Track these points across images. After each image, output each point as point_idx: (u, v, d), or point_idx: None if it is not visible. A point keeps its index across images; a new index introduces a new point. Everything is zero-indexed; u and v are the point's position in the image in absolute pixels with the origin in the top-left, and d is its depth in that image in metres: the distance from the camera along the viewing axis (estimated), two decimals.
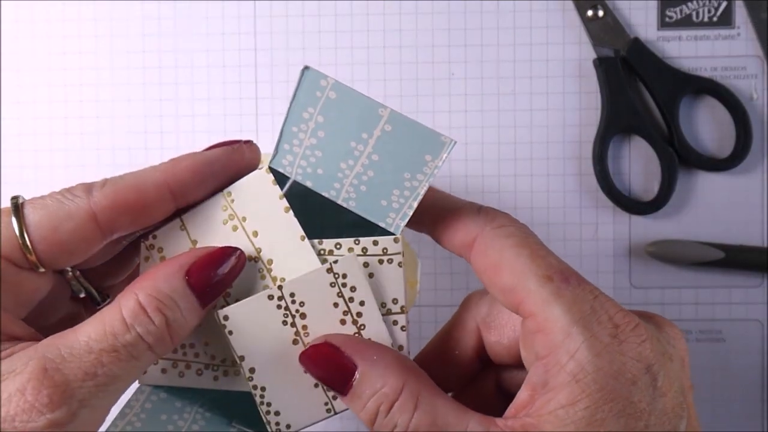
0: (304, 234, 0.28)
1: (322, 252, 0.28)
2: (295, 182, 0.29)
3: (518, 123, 0.45)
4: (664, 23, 0.45)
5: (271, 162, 0.28)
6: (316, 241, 0.29)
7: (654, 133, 0.44)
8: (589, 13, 0.44)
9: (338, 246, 0.28)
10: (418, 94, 0.45)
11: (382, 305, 0.28)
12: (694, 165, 0.44)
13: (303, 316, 0.28)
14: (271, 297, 0.28)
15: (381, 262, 0.28)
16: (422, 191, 0.27)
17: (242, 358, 0.28)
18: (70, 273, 0.29)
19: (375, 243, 0.28)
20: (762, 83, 0.45)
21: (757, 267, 0.44)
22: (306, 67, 0.27)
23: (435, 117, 0.45)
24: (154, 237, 0.29)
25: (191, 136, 0.45)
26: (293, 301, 0.28)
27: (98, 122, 0.46)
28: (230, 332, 0.28)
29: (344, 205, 0.28)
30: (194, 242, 0.29)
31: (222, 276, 0.27)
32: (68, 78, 0.46)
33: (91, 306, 0.31)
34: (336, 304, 0.28)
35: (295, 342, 0.28)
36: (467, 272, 0.44)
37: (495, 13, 0.45)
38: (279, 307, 0.28)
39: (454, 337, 0.30)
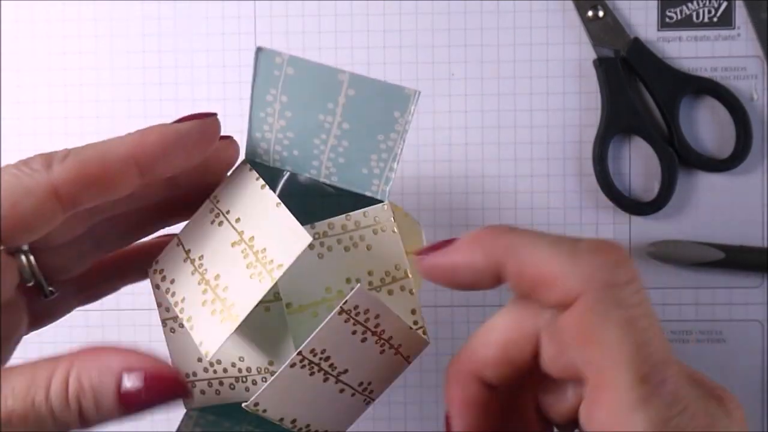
0: (278, 201, 0.27)
1: (316, 236, 0.28)
2: (287, 181, 0.29)
3: (518, 123, 0.45)
4: (664, 23, 0.45)
5: (246, 153, 0.28)
6: (308, 226, 0.28)
7: (654, 134, 0.44)
8: (589, 13, 0.44)
9: (331, 226, 0.28)
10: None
11: (386, 274, 0.27)
12: (694, 165, 0.44)
13: (333, 366, 0.25)
14: (293, 365, 0.25)
15: (375, 232, 0.28)
16: (399, 150, 0.27)
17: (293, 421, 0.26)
18: (23, 257, 0.27)
19: (365, 215, 0.28)
20: (762, 83, 0.45)
21: (757, 267, 0.44)
22: (259, 48, 0.26)
23: (435, 117, 0.45)
24: (157, 262, 0.28)
25: None
26: (319, 358, 0.25)
27: (98, 122, 0.46)
28: (264, 411, 0.25)
29: (327, 181, 0.28)
30: (187, 251, 0.28)
31: (153, 402, 0.24)
32: (68, 78, 0.46)
33: (35, 299, 0.29)
34: (363, 339, 0.26)
35: (342, 390, 0.26)
36: None
37: (495, 13, 0.45)
38: (310, 372, 0.25)
39: (512, 339, 0.25)
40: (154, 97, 0.46)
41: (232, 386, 0.28)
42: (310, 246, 0.27)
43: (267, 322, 0.28)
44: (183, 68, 0.46)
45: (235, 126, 0.45)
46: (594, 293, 0.22)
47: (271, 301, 0.28)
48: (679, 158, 0.44)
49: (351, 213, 0.28)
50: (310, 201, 0.30)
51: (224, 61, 0.45)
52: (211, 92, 0.46)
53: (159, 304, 0.29)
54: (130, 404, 0.24)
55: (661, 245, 0.44)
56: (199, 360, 0.28)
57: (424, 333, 0.28)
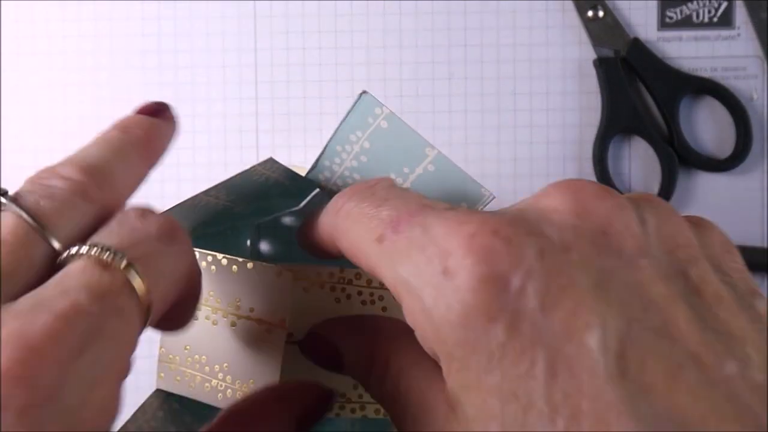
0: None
1: (341, 281, 0.27)
2: (316, 197, 0.29)
3: (518, 123, 0.45)
4: (664, 24, 0.45)
5: (308, 174, 0.28)
6: (337, 268, 0.27)
7: (654, 134, 0.44)
8: (589, 13, 0.44)
9: (358, 277, 0.27)
10: (418, 94, 0.45)
11: None
12: (694, 165, 0.44)
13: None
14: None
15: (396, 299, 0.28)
16: None
17: None
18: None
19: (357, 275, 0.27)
20: (762, 83, 0.45)
21: (758, 267, 0.44)
22: (364, 92, 0.26)
23: (435, 117, 0.45)
24: None
25: (191, 137, 0.45)
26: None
27: (98, 122, 0.46)
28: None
29: None
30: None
31: (318, 421, 0.24)
32: (68, 78, 0.46)
33: None
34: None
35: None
36: None
37: (495, 13, 0.45)
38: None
39: None
40: (154, 97, 0.46)
41: (207, 387, 0.28)
42: (332, 288, 0.28)
43: (264, 343, 0.28)
44: (183, 68, 0.46)
45: (234, 126, 0.46)
46: (333, 227, 0.22)
47: (275, 325, 0.28)
48: (679, 158, 0.44)
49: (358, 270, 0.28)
50: None
51: (224, 61, 0.45)
52: (211, 92, 0.46)
53: None
54: None
55: None
56: (186, 348, 0.29)
57: None
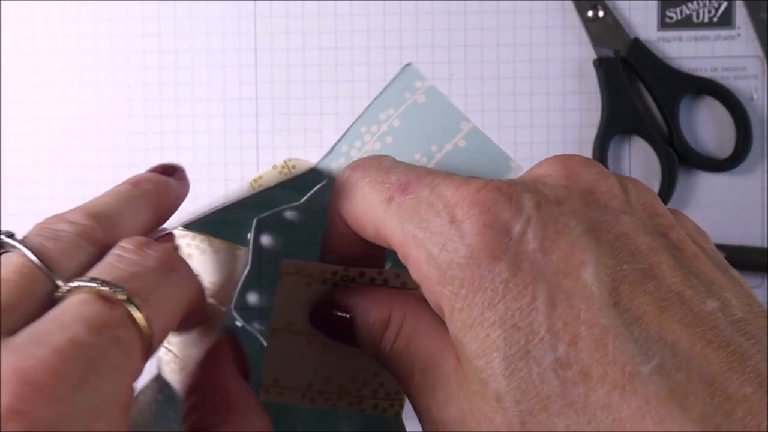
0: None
1: (345, 279, 0.27)
2: (320, 190, 0.28)
3: (518, 123, 0.45)
4: (664, 24, 0.45)
5: (321, 161, 0.27)
6: (341, 267, 0.26)
7: (654, 134, 0.44)
8: (589, 13, 0.44)
9: (362, 275, 0.26)
10: None
11: None
12: (694, 165, 0.44)
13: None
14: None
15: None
16: None
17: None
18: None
19: (397, 276, 0.26)
20: (762, 83, 0.45)
21: (757, 267, 0.44)
22: (408, 64, 0.26)
23: None
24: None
25: (191, 137, 0.45)
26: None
27: (98, 122, 0.46)
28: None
29: None
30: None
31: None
32: (68, 78, 0.46)
33: None
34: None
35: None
36: None
37: (495, 13, 0.45)
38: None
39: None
40: (154, 98, 0.46)
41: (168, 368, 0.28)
42: (334, 284, 0.27)
43: (211, 323, 0.28)
44: (183, 68, 0.46)
45: (234, 126, 0.46)
46: (338, 198, 0.24)
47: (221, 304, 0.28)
48: (679, 158, 0.44)
49: (384, 270, 0.27)
50: None
51: (224, 61, 0.45)
52: (211, 92, 0.46)
53: None
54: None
55: None
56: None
57: (402, 406, 0.27)
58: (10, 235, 0.21)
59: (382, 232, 0.21)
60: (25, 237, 0.21)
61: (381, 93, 0.26)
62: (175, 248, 0.25)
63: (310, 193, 0.29)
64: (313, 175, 0.28)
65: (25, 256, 0.20)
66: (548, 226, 0.18)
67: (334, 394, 0.27)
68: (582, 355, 0.17)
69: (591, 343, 0.17)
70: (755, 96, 0.45)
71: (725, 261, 0.21)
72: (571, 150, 0.45)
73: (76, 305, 0.18)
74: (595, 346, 0.17)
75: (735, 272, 0.20)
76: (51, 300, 0.19)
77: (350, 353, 0.27)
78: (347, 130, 0.27)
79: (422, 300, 0.21)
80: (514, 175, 0.26)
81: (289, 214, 0.33)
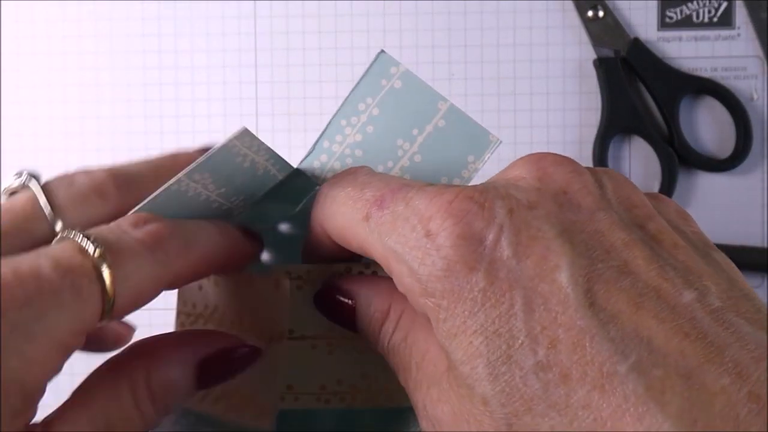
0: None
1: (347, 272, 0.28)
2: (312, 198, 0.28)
3: (518, 123, 0.45)
4: (664, 24, 0.45)
5: (302, 162, 0.27)
6: (342, 264, 0.27)
7: (654, 134, 0.44)
8: (589, 13, 0.44)
9: (348, 270, 0.27)
10: None
11: None
12: (694, 165, 0.44)
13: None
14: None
15: None
16: None
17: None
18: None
19: None
20: (762, 83, 0.45)
21: (758, 267, 0.44)
22: (382, 51, 0.26)
23: None
24: None
25: (191, 137, 0.45)
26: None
27: (98, 122, 0.46)
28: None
29: None
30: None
31: (229, 373, 0.25)
32: (68, 78, 0.46)
33: None
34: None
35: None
36: None
37: (495, 13, 0.45)
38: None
39: None
40: (155, 98, 0.46)
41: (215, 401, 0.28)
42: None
43: (268, 356, 0.28)
44: (183, 68, 0.46)
45: (234, 125, 0.46)
46: (318, 213, 0.24)
47: (277, 338, 0.28)
48: (679, 158, 0.44)
49: (371, 263, 0.27)
50: None
51: (224, 61, 0.45)
52: (211, 92, 0.46)
53: (179, 313, 0.28)
54: (210, 383, 0.25)
55: None
56: None
57: None
58: (35, 176, 0.24)
59: (365, 247, 0.22)
60: (47, 182, 0.24)
61: (358, 83, 0.26)
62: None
63: (302, 203, 0.29)
64: (302, 181, 0.28)
65: (35, 195, 0.23)
66: (521, 232, 0.19)
67: (348, 393, 0.27)
68: (561, 357, 0.17)
69: (569, 345, 0.17)
70: (755, 96, 0.45)
71: (709, 242, 0.21)
72: (571, 150, 0.45)
73: (56, 248, 0.21)
74: (573, 348, 0.17)
75: (719, 255, 0.20)
76: (48, 242, 0.22)
77: (356, 351, 0.27)
78: (327, 126, 0.27)
79: None
80: (494, 148, 0.26)
81: (284, 227, 0.32)
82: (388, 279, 0.23)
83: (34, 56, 0.46)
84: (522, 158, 0.21)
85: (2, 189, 0.25)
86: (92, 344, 0.31)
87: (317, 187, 0.28)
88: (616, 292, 0.18)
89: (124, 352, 0.24)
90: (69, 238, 0.21)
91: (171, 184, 0.24)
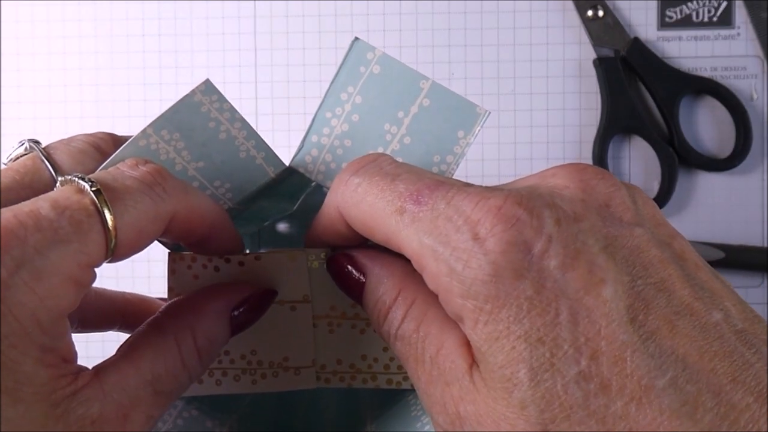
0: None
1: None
2: (310, 194, 0.28)
3: (518, 123, 0.45)
4: (664, 23, 0.45)
5: (293, 160, 0.27)
6: (326, 248, 0.27)
7: (654, 133, 0.44)
8: (589, 13, 0.44)
9: None
10: None
11: None
12: (694, 165, 0.44)
13: None
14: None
15: None
16: (452, 174, 0.26)
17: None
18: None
19: None
20: (762, 83, 0.45)
21: (757, 267, 0.44)
22: (356, 38, 0.26)
23: None
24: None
25: None
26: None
27: (98, 123, 0.46)
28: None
29: None
30: None
31: (254, 317, 0.26)
32: (68, 78, 0.46)
33: None
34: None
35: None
36: None
37: (495, 13, 0.45)
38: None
39: None
40: (155, 98, 0.46)
41: (237, 378, 0.28)
42: (323, 264, 0.28)
43: (290, 322, 0.28)
44: (183, 68, 0.46)
45: None
46: (340, 201, 0.23)
47: (299, 301, 0.28)
48: (679, 158, 0.44)
49: (370, 246, 0.27)
50: None
51: (224, 61, 0.45)
52: None
53: (171, 289, 0.28)
54: (239, 329, 0.26)
55: None
56: None
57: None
58: (35, 141, 0.26)
59: (394, 241, 0.22)
60: (48, 143, 0.26)
61: (337, 73, 0.26)
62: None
63: (300, 200, 0.29)
64: (296, 178, 0.28)
65: (38, 154, 0.25)
66: (568, 245, 0.19)
67: (347, 373, 0.27)
68: (602, 369, 0.18)
69: (610, 357, 0.18)
70: (755, 96, 0.45)
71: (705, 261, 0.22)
72: (570, 150, 0.45)
73: (54, 191, 0.22)
74: (614, 361, 0.18)
75: (721, 275, 0.21)
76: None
77: (357, 331, 0.27)
78: (312, 120, 0.27)
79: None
80: (483, 121, 0.26)
81: (282, 226, 0.32)
82: (403, 261, 0.24)
83: (34, 56, 0.46)
84: (562, 167, 0.22)
85: (5, 158, 0.27)
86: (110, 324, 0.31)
87: (313, 183, 0.28)
88: (654, 309, 0.19)
89: (166, 312, 0.25)
90: (68, 182, 0.22)
91: (138, 137, 0.25)
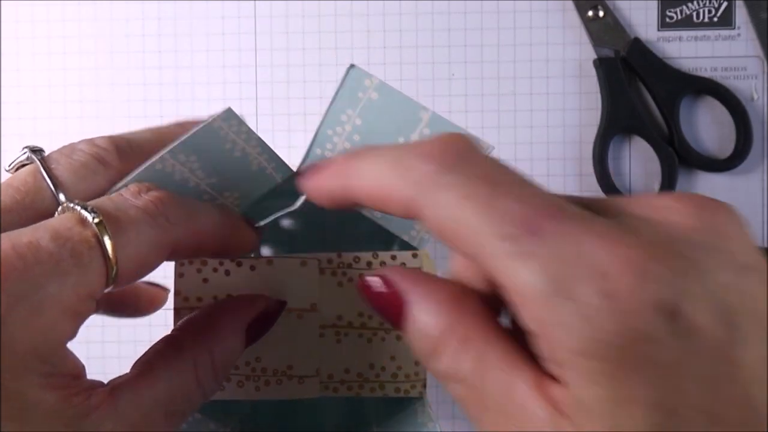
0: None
1: (341, 265, 0.28)
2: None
3: (518, 123, 0.45)
4: (664, 23, 0.45)
5: (300, 167, 0.27)
6: (334, 254, 0.28)
7: (654, 134, 0.44)
8: (590, 13, 0.44)
9: (357, 260, 0.28)
10: (419, 94, 0.45)
11: None
12: (694, 165, 0.44)
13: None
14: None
15: None
16: None
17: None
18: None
19: (393, 258, 0.27)
20: (762, 83, 0.45)
21: None
22: (352, 65, 0.26)
23: None
24: None
25: None
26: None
27: (98, 122, 0.46)
28: None
29: (368, 215, 0.27)
30: None
31: (265, 330, 0.27)
32: (68, 78, 0.46)
33: None
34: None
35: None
36: None
37: (495, 13, 0.45)
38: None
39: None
40: (154, 98, 0.46)
41: (240, 384, 0.28)
42: (332, 273, 0.28)
43: (296, 330, 0.28)
44: (183, 68, 0.46)
45: None
46: (422, 198, 0.20)
47: (306, 310, 0.28)
48: (679, 158, 0.44)
49: (380, 252, 0.28)
50: (338, 228, 0.29)
51: (224, 61, 0.45)
52: (211, 92, 0.46)
53: (177, 293, 0.28)
54: (251, 342, 0.26)
55: None
56: None
57: (424, 385, 0.28)
58: (37, 150, 0.25)
59: (488, 264, 0.19)
60: (50, 154, 0.25)
61: (334, 97, 0.26)
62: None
63: (302, 200, 0.29)
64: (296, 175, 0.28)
65: (38, 169, 0.24)
66: (716, 304, 0.18)
67: (355, 382, 0.27)
68: None
69: (735, 424, 0.17)
70: (755, 96, 0.45)
71: None
72: (571, 150, 0.45)
73: (55, 220, 0.21)
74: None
75: None
76: (53, 214, 0.23)
77: (364, 340, 0.27)
78: (315, 135, 0.27)
79: (491, 320, 0.20)
80: (486, 151, 0.24)
81: (285, 223, 0.33)
82: (451, 286, 0.21)
83: (34, 56, 0.46)
84: (677, 199, 0.19)
85: (6, 166, 0.26)
86: (128, 308, 0.32)
87: None
88: None
89: (184, 329, 0.25)
90: (69, 209, 0.22)
91: (154, 162, 0.24)
